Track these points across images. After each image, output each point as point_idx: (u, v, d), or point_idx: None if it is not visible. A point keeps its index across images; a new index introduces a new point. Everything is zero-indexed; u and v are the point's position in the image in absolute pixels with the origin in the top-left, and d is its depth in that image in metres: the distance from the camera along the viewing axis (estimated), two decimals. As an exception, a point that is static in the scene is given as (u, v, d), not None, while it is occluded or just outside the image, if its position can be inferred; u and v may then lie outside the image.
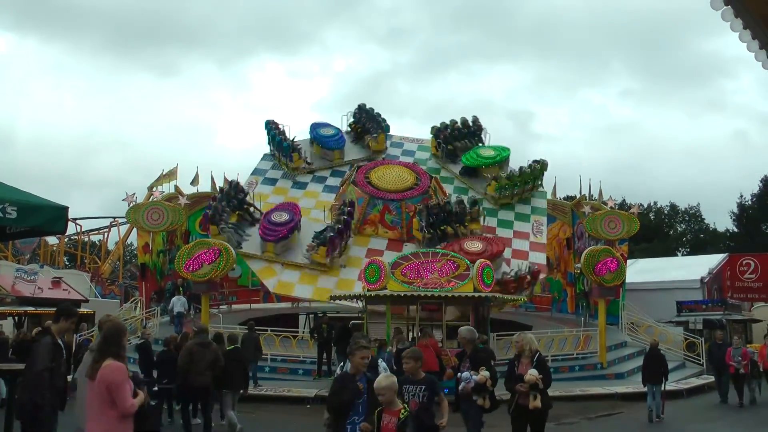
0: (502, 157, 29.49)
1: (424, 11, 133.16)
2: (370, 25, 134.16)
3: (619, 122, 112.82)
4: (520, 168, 28.38)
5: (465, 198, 26.29)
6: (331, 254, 23.47)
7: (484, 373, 8.97)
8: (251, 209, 25.80)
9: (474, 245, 23.09)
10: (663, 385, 15.91)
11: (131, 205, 25.36)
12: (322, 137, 30.47)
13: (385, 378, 6.33)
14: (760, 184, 55.47)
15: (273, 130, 30.02)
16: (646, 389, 16.27)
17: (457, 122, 31.39)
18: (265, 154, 30.60)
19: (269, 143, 30.46)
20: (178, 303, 24.46)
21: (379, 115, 32.02)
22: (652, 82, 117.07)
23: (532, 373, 8.42)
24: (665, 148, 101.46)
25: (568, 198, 35.69)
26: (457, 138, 30.87)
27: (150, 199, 26.29)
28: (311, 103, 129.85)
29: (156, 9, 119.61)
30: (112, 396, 5.52)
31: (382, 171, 26.60)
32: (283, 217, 24.47)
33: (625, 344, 24.45)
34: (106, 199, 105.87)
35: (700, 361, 23.11)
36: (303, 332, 23.78)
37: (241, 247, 23.85)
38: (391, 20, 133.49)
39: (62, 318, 7.15)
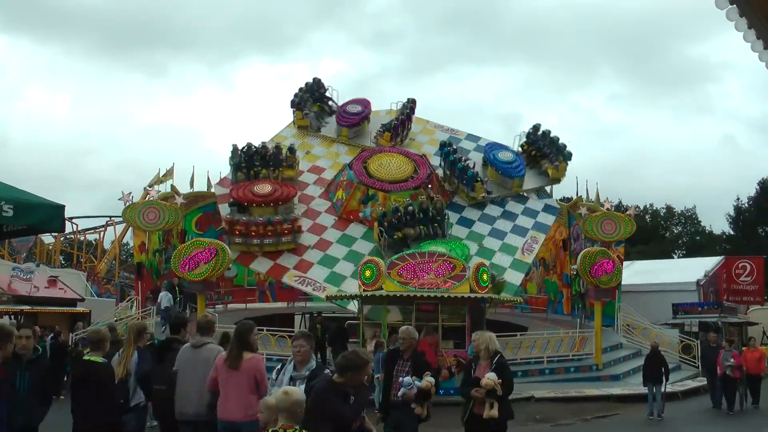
0: None
1: (411, 15, 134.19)
2: (357, 29, 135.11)
3: (608, 126, 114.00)
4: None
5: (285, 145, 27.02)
6: (395, 139, 28.43)
7: (429, 379, 7.93)
8: (330, 102, 31.23)
9: (263, 188, 24.67)
10: (663, 386, 16.04)
11: (127, 204, 25.35)
12: (500, 162, 27.69)
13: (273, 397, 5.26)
14: (757, 187, 55.61)
15: (447, 146, 27.62)
16: (645, 390, 16.40)
17: (410, 204, 24.18)
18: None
19: (441, 161, 27.78)
20: (165, 298, 24.56)
21: (557, 139, 28.94)
22: (639, 87, 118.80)
23: (489, 378, 7.50)
24: (654, 152, 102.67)
25: (565, 199, 35.73)
26: (410, 224, 24.30)
27: (146, 199, 26.25)
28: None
29: (146, 12, 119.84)
30: (257, 382, 6.81)
31: (382, 159, 26.22)
32: (357, 108, 29.94)
33: (620, 346, 24.50)
34: (99, 199, 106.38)
35: (695, 363, 23.15)
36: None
37: (320, 131, 29.58)
38: (378, 24, 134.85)
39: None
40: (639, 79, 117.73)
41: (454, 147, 27.85)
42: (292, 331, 23.55)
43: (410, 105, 30.42)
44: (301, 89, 30.64)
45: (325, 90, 31.44)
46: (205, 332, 7.71)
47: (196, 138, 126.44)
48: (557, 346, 22.44)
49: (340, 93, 31.64)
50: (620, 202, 56.59)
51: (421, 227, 23.61)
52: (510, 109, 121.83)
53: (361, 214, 25.04)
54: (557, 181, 28.56)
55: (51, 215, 6.97)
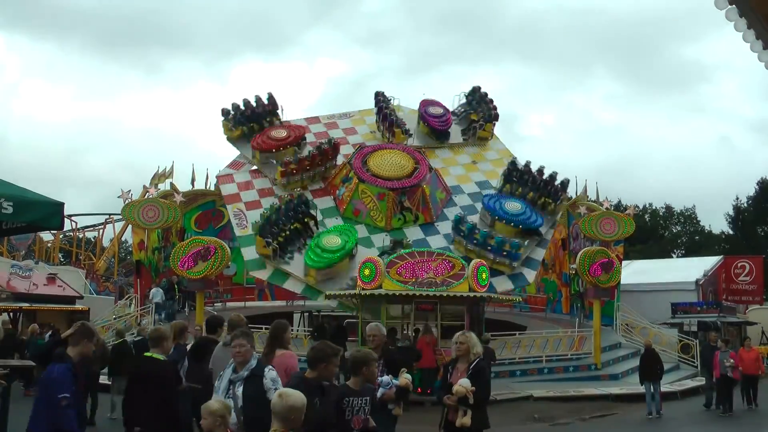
0: (351, 244, 22.92)
1: (406, 15, 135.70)
2: (353, 28, 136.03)
3: (603, 126, 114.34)
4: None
5: None
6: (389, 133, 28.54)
7: (406, 376, 7.42)
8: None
9: (279, 132, 26.79)
10: (659, 383, 16.13)
11: (127, 201, 25.33)
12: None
13: (216, 402, 5.19)
14: (756, 187, 55.63)
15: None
16: (643, 389, 16.42)
17: (279, 206, 23.88)
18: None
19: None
20: (158, 294, 25.03)
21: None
22: (634, 88, 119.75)
23: (462, 384, 7.06)
24: (650, 152, 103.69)
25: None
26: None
27: (145, 196, 26.22)
28: (296, 103, 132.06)
29: (140, 11, 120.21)
30: (287, 377, 6.69)
31: (381, 157, 25.99)
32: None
33: (619, 345, 24.52)
34: (97, 197, 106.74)
35: (694, 363, 23.17)
36: (298, 330, 23.77)
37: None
38: (374, 23, 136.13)
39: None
40: (633, 80, 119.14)
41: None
42: (291, 330, 23.57)
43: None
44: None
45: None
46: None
47: (193, 136, 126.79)
48: (556, 345, 22.46)
49: (328, 93, 31.81)
50: (620, 201, 56.66)
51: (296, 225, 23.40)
52: (505, 108, 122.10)
53: (338, 192, 25.55)
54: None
55: (50, 212, 6.97)
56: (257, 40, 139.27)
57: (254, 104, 28.64)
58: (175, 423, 7.21)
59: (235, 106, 28.47)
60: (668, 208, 65.64)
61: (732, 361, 16.30)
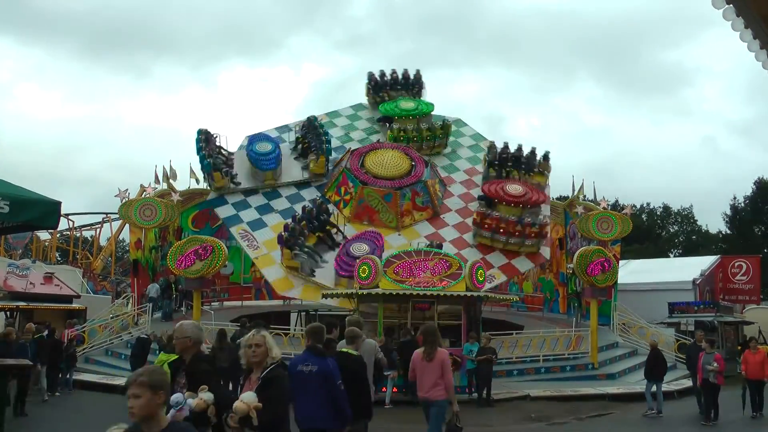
0: (421, 112, 29.51)
1: (387, 20, 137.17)
2: (336, 33, 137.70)
3: (590, 128, 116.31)
4: (430, 124, 29.05)
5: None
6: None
7: (204, 396, 5.72)
8: (334, 231, 23.94)
9: (515, 188, 25.19)
10: (661, 383, 16.14)
11: (124, 201, 25.29)
12: (255, 155, 26.37)
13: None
14: (753, 187, 55.71)
15: (201, 141, 26.46)
16: (640, 389, 16.45)
17: (396, 71, 31.40)
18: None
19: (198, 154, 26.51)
20: (153, 290, 25.58)
21: (326, 133, 27.73)
22: (617, 91, 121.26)
23: (244, 400, 5.49)
24: (635, 154, 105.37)
25: (561, 198, 35.73)
26: (393, 87, 30.97)
27: (142, 195, 26.18)
28: (279, 106, 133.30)
29: (126, 16, 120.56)
30: (443, 371, 8.79)
31: (378, 156, 26.08)
32: (363, 248, 21.91)
33: (616, 345, 24.53)
34: (89, 197, 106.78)
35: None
36: (295, 330, 23.77)
37: (314, 276, 22.35)
38: (357, 28, 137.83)
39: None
40: (615, 84, 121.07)
41: (213, 139, 27.13)
42: (288, 329, 23.59)
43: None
44: (294, 217, 23.82)
45: (329, 215, 24.37)
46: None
47: (185, 137, 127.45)
48: (553, 344, 22.48)
49: (310, 97, 31.34)
50: (617, 201, 56.76)
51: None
52: (487, 111, 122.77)
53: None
54: (319, 176, 26.65)
55: (47, 211, 6.96)
56: (242, 45, 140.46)
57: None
58: (369, 411, 8.14)
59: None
60: (666, 207, 65.73)
61: (715, 365, 14.67)
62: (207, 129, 27.36)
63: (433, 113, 30.46)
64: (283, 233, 22.55)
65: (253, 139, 27.57)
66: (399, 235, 24.43)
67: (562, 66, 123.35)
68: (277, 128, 30.17)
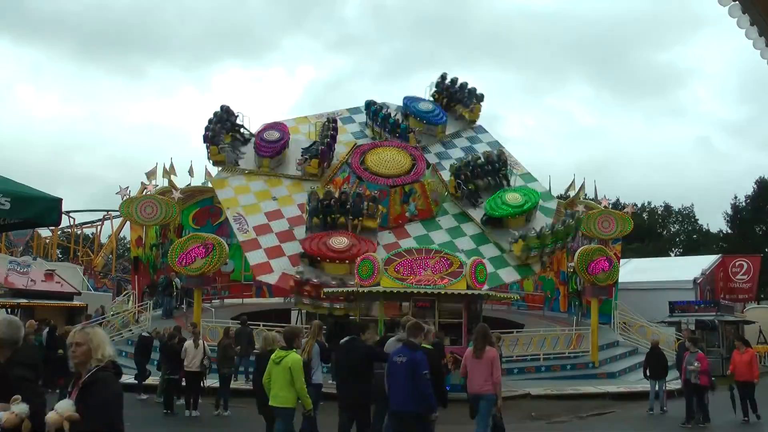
0: (530, 205, 25.47)
1: (380, 22, 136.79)
2: (329, 34, 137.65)
3: (584, 128, 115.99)
4: (553, 225, 24.88)
5: (371, 192, 24.69)
6: (322, 165, 26.46)
7: (16, 409, 4.80)
8: (242, 130, 28.43)
9: (340, 241, 22.86)
10: (664, 381, 16.10)
11: (125, 198, 25.30)
12: (422, 113, 29.86)
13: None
14: (755, 186, 55.66)
15: (216, 116, 28.03)
16: (640, 388, 16.43)
17: (479, 157, 27.47)
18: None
19: (369, 120, 29.96)
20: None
21: (467, 84, 31.37)
22: (610, 92, 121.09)
23: (59, 409, 4.42)
24: (630, 153, 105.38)
25: (562, 197, 35.69)
26: (479, 176, 26.92)
27: (143, 193, 26.21)
28: (273, 107, 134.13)
29: (121, 17, 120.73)
30: (492, 369, 9.56)
31: (378, 154, 26.16)
32: (275, 135, 27.19)
33: (617, 344, 24.52)
34: (88, 194, 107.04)
35: (691, 361, 23.14)
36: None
37: (239, 165, 26.55)
38: (350, 29, 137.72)
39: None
40: (608, 85, 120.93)
41: (378, 104, 29.91)
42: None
43: (332, 125, 27.55)
44: (211, 120, 27.47)
45: (236, 117, 28.48)
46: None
47: (182, 136, 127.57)
48: (554, 343, 22.47)
49: (305, 98, 31.35)
50: (618, 200, 56.74)
51: (489, 179, 26.73)
52: (485, 110, 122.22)
53: (407, 214, 25.45)
54: (473, 122, 30.96)
55: (48, 209, 6.94)
56: (235, 47, 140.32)
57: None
58: (444, 398, 9.26)
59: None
60: (666, 206, 65.68)
61: (696, 364, 14.11)
62: (229, 106, 28.92)
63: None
64: (206, 133, 26.66)
65: (410, 99, 30.75)
66: (389, 232, 24.65)
67: (555, 67, 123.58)
68: (295, 118, 30.58)
